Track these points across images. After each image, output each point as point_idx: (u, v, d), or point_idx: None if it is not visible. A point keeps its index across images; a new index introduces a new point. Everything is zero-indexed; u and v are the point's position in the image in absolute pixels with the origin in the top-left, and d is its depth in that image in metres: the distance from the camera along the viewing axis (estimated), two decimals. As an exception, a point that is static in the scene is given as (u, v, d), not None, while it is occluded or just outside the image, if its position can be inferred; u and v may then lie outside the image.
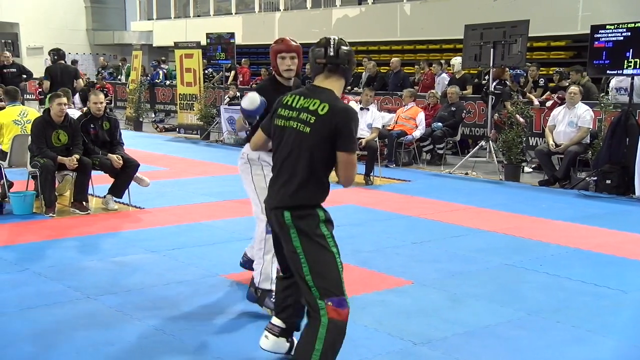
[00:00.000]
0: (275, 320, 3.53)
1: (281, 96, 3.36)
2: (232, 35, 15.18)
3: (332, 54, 3.24)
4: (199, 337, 3.96)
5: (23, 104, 8.76)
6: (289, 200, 3.15)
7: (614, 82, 10.65)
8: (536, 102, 11.43)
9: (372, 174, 9.53)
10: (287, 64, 4.14)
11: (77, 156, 7.13)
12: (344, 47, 3.27)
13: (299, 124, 3.16)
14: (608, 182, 8.63)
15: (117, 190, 7.49)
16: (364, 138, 9.44)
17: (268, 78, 4.52)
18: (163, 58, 21.88)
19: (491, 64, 10.49)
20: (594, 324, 4.26)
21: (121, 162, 7.35)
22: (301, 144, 3.14)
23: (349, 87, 13.82)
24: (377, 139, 9.99)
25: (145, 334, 4.01)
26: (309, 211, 3.15)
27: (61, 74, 11.74)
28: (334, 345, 3.05)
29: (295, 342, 3.40)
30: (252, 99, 3.92)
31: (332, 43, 3.26)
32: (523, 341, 4.00)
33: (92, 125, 7.50)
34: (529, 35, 10.43)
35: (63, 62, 12.16)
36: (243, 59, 18.69)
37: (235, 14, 24.48)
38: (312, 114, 3.13)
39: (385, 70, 15.33)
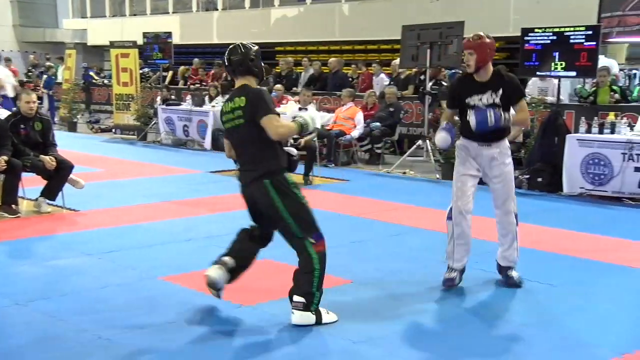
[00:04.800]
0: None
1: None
2: (169, 34, 14.96)
3: (226, 63, 4.30)
4: (137, 340, 3.89)
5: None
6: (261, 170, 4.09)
7: (537, 83, 10.95)
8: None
9: (311, 173, 9.54)
10: (466, 60, 4.81)
11: (6, 157, 6.89)
12: (232, 56, 4.22)
13: (235, 120, 4.18)
14: (540, 180, 8.91)
15: (50, 192, 7.29)
16: (302, 138, 9.42)
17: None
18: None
19: (427, 64, 10.67)
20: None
21: (54, 163, 7.16)
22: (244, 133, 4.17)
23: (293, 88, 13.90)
24: (316, 138, 10.02)
25: (81, 339, 3.91)
26: (279, 176, 4.10)
27: None
28: (324, 266, 4.12)
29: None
30: (443, 140, 4.91)
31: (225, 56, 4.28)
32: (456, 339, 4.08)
33: (22, 126, 7.28)
34: (465, 36, 10.64)
35: None
36: (195, 59, 17.94)
37: (173, 13, 24.14)
38: (239, 109, 4.14)
39: (326, 71, 15.37)
